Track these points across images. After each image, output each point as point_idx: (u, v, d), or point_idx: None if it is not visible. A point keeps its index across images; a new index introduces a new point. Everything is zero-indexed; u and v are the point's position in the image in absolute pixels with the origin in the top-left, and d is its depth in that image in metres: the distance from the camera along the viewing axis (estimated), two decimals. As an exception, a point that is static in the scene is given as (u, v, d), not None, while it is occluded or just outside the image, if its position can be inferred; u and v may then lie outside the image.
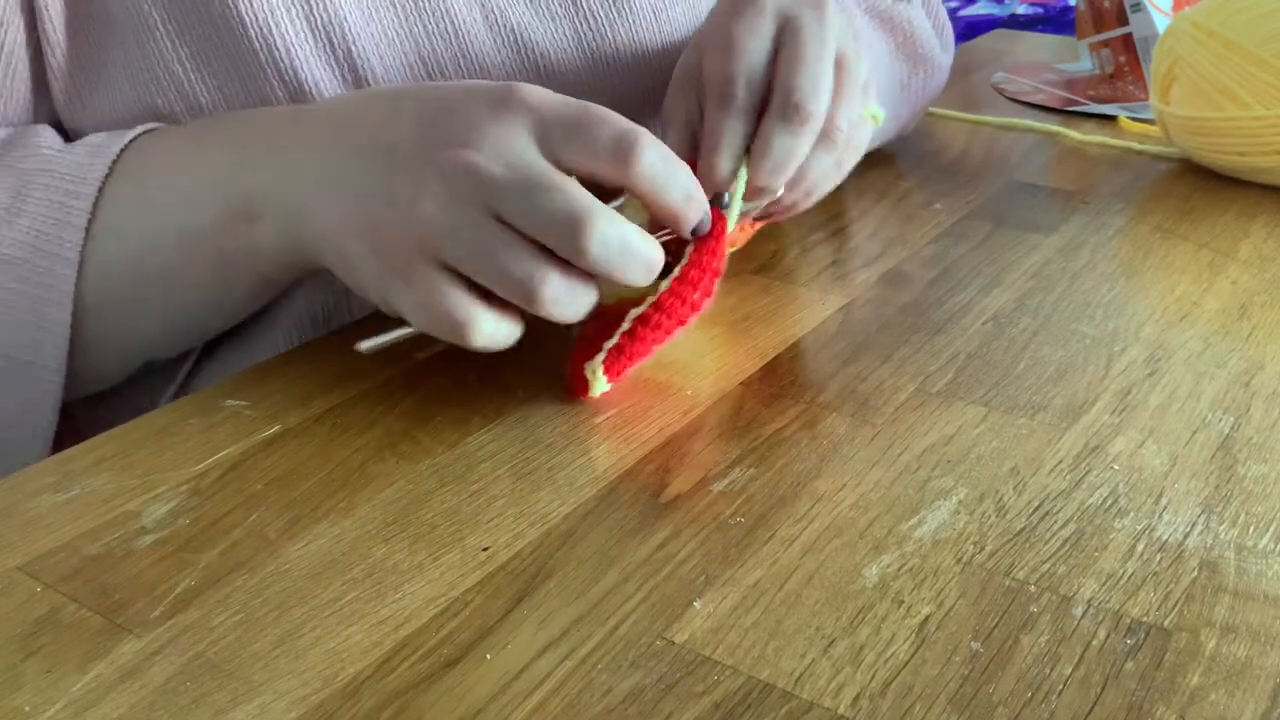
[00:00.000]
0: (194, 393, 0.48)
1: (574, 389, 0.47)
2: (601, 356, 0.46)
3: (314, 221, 0.46)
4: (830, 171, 0.52)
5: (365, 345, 0.44)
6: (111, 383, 0.56)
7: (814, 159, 0.50)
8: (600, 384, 0.46)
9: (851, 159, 0.55)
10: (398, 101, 0.46)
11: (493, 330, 0.43)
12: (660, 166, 0.43)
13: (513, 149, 0.42)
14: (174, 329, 0.54)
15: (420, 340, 0.51)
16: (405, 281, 0.43)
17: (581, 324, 0.47)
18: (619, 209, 0.43)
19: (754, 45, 0.50)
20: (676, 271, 0.46)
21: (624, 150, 0.43)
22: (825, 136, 0.50)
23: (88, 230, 0.49)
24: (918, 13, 0.73)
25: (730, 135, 0.49)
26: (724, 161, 0.49)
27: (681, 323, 0.47)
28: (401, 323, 0.44)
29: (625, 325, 0.46)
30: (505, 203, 0.42)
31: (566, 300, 0.43)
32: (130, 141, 0.51)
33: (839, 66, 0.50)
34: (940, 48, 0.76)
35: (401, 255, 0.42)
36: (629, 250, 0.42)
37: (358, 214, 0.44)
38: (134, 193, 0.50)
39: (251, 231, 0.48)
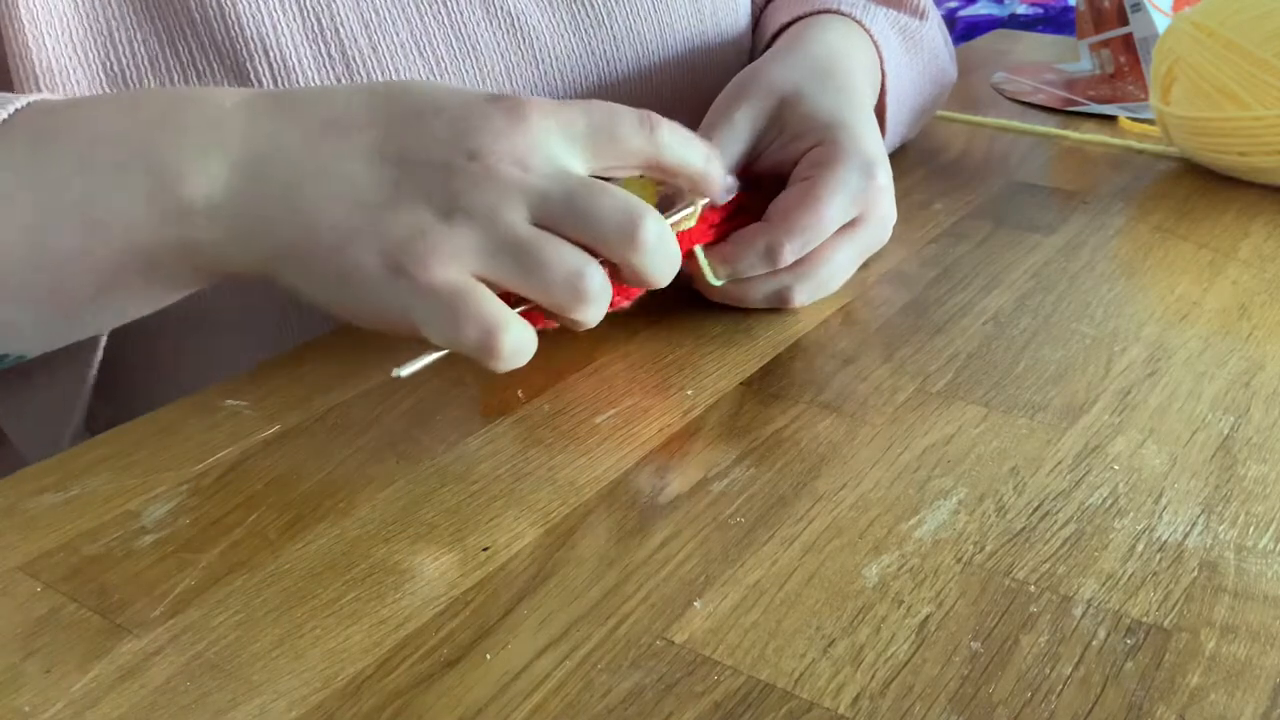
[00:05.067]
0: (191, 391, 0.48)
1: None
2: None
3: (297, 225, 0.41)
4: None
5: (402, 371, 0.42)
6: None
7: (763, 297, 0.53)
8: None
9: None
10: (390, 104, 0.43)
11: (519, 338, 0.41)
12: (678, 135, 0.45)
13: (548, 160, 0.42)
14: (51, 322, 0.46)
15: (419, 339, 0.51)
16: (425, 290, 0.40)
17: None
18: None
19: (827, 230, 0.51)
20: None
21: (647, 135, 0.44)
22: (782, 301, 0.53)
23: None
24: (935, 31, 0.74)
25: (748, 269, 0.51)
26: (723, 271, 0.51)
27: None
28: (427, 345, 0.42)
29: None
30: (553, 212, 0.41)
31: (604, 297, 0.43)
32: (36, 101, 0.44)
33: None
34: (949, 61, 0.78)
35: (422, 261, 0.40)
36: (670, 248, 0.44)
37: (364, 216, 0.41)
38: (36, 154, 0.42)
39: (188, 231, 0.42)
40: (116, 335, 0.52)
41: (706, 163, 0.46)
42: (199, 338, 0.56)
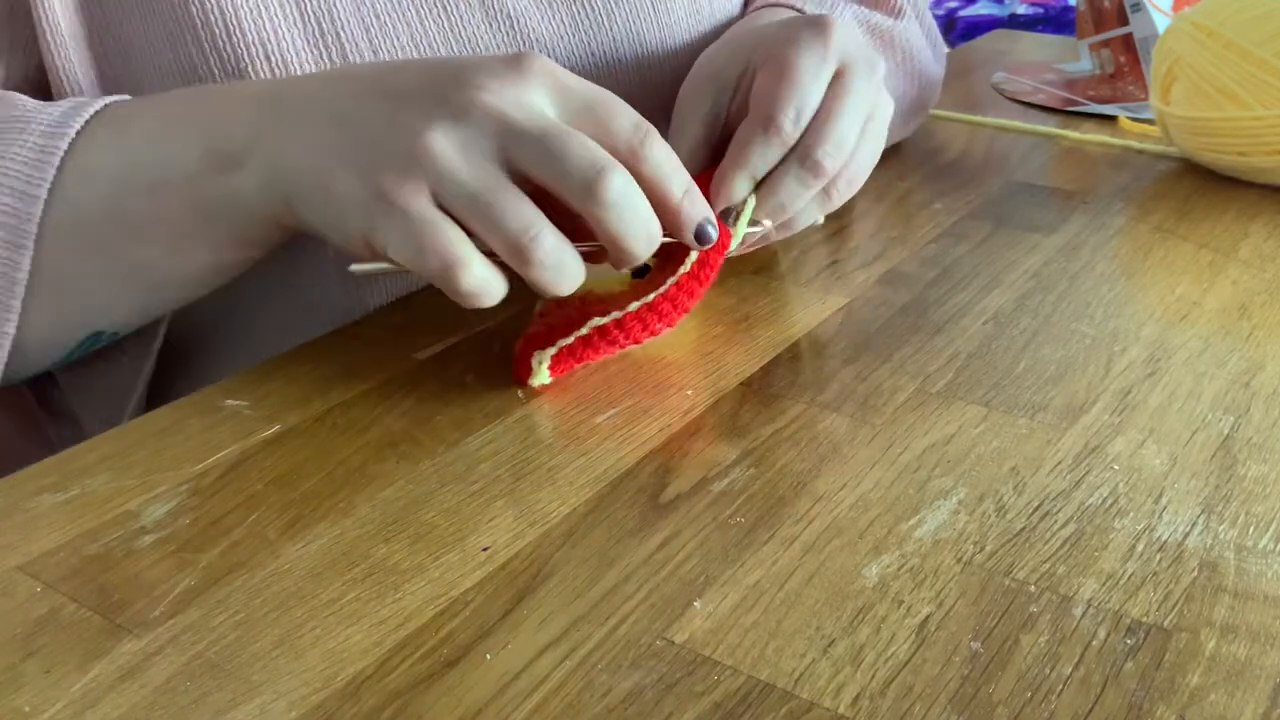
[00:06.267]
0: (193, 387, 0.48)
1: (518, 369, 0.48)
2: (552, 351, 0.47)
3: (300, 154, 0.44)
4: (813, 216, 0.53)
5: (357, 268, 0.44)
6: (53, 359, 0.52)
7: (807, 205, 0.52)
8: (542, 376, 0.47)
9: (834, 208, 0.54)
10: (403, 62, 0.47)
11: (482, 276, 0.42)
12: (669, 158, 0.44)
13: (531, 101, 0.43)
14: (129, 293, 0.50)
15: (419, 340, 0.51)
16: (396, 212, 0.41)
17: (544, 304, 0.49)
18: None
19: (813, 89, 0.50)
20: (650, 297, 0.47)
21: (638, 138, 0.44)
22: (825, 191, 0.52)
23: (60, 170, 0.47)
24: (914, 29, 0.74)
25: (760, 160, 0.49)
26: (743, 181, 0.50)
27: (637, 343, 0.48)
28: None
29: (584, 330, 0.47)
30: (521, 147, 0.42)
31: (554, 265, 0.42)
32: (114, 100, 0.49)
33: (865, 124, 0.52)
34: (934, 60, 0.76)
35: (396, 184, 0.41)
36: (639, 210, 0.43)
37: (354, 142, 0.43)
38: (112, 138, 0.48)
39: (233, 179, 0.45)
40: (183, 310, 0.55)
41: (684, 196, 0.45)
42: (259, 314, 0.58)
